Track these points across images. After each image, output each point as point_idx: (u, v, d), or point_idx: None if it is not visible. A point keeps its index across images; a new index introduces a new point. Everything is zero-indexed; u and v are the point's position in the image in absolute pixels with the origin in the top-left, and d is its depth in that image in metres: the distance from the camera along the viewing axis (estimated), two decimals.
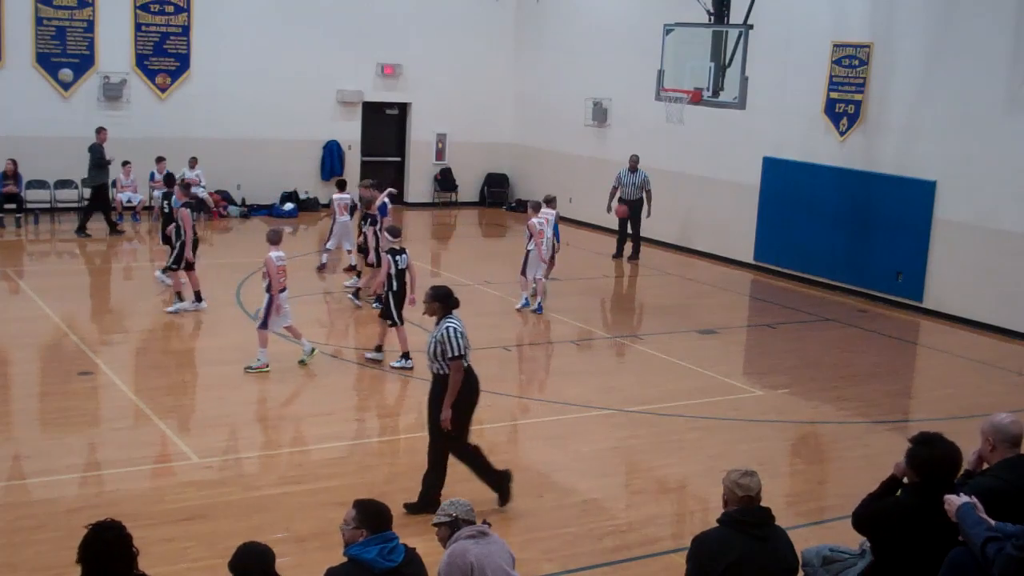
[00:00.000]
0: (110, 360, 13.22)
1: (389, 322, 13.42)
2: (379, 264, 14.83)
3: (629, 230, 21.39)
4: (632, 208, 21.18)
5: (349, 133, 25.88)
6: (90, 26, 22.85)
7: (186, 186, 16.49)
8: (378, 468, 10.24)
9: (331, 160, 25.65)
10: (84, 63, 22.86)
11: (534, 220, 16.80)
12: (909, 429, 11.70)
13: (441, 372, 9.08)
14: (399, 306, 13.34)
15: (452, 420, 8.98)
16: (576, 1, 25.36)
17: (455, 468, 10.31)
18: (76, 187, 22.79)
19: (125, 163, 22.50)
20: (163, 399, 11.88)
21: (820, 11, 19.45)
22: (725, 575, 5.68)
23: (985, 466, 6.22)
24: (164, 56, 23.63)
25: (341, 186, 19.43)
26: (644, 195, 21.02)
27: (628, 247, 21.49)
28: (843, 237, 19.11)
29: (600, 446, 11.22)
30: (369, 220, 16.51)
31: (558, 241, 17.76)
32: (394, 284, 13.23)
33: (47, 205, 22.34)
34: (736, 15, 17.55)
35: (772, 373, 14.23)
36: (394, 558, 5.63)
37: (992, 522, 5.42)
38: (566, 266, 19.84)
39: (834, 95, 19.21)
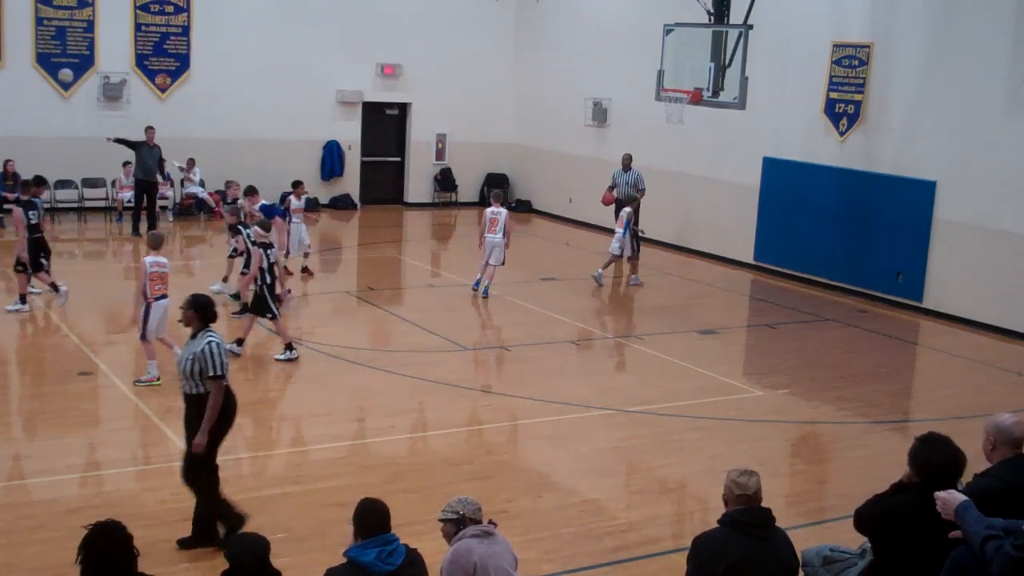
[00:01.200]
0: (110, 360, 13.22)
1: (269, 315, 13.53)
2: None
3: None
4: (622, 208, 21.16)
5: (349, 133, 25.88)
6: (90, 26, 22.85)
7: (25, 184, 16.13)
8: (378, 469, 10.23)
9: (331, 160, 25.66)
10: (84, 63, 22.86)
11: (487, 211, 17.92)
12: (909, 429, 11.71)
13: (194, 392, 8.25)
14: (275, 299, 13.52)
15: (205, 445, 8.21)
16: (576, 1, 25.36)
17: (464, 467, 10.34)
18: (76, 187, 22.80)
19: (126, 163, 22.49)
20: (163, 399, 11.86)
21: (820, 11, 19.45)
22: (725, 575, 5.67)
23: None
24: (164, 56, 23.64)
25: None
26: (638, 194, 21.04)
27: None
28: (843, 237, 19.11)
29: (600, 446, 11.22)
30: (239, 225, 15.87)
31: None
32: (267, 278, 13.41)
33: (47, 205, 22.25)
34: (736, 15, 17.56)
35: (772, 373, 14.22)
36: (393, 561, 5.60)
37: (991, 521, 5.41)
38: (566, 266, 19.85)
39: (834, 95, 19.21)
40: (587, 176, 24.71)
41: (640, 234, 20.61)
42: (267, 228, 13.85)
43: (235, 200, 17.70)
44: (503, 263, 17.54)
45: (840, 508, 9.15)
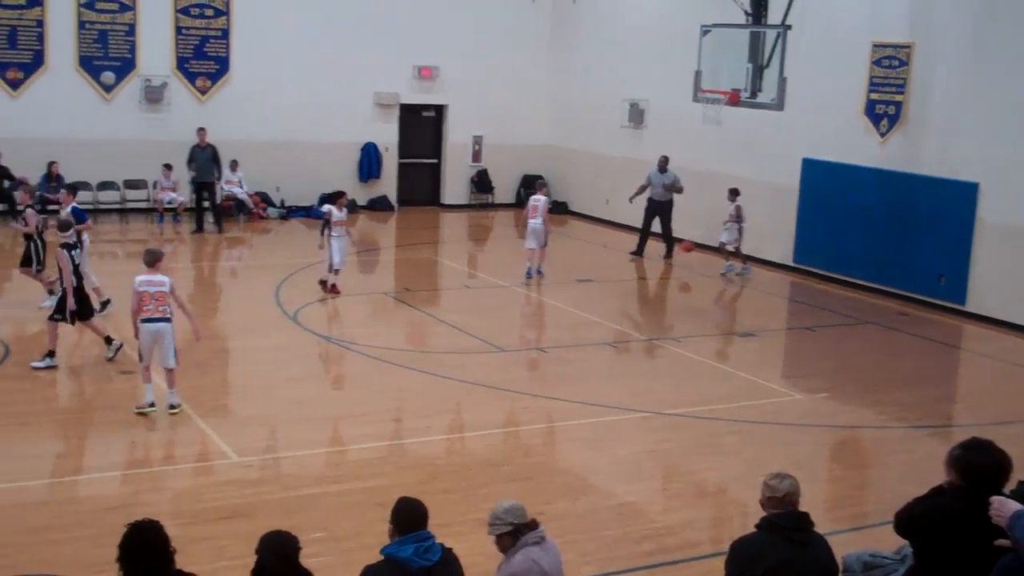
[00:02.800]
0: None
1: (59, 317, 12.77)
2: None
3: (656, 228, 21.38)
4: (662, 208, 21.13)
5: (386, 135, 25.96)
6: (131, 30, 23.07)
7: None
8: (416, 469, 10.25)
9: (369, 162, 25.76)
10: (126, 66, 23.09)
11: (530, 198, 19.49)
12: (951, 435, 11.60)
13: None
14: (78, 302, 12.83)
15: None
16: (612, 2, 25.32)
17: (501, 468, 10.34)
18: (118, 188, 23.01)
19: (166, 165, 22.72)
20: (203, 398, 11.95)
21: (859, 11, 19.30)
22: None
23: None
24: (204, 59, 23.83)
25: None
26: (672, 196, 20.96)
27: (660, 247, 21.43)
28: (884, 239, 18.94)
29: (637, 449, 11.19)
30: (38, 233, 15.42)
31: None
32: (73, 280, 12.73)
33: (90, 206, 22.50)
34: (774, 15, 17.47)
35: (811, 376, 14.13)
36: (430, 557, 5.63)
37: None
38: (602, 268, 19.81)
39: (874, 96, 19.07)
40: (624, 177, 24.64)
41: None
42: (65, 228, 13.08)
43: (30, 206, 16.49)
44: (545, 245, 18.78)
45: (881, 513, 9.07)
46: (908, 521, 5.95)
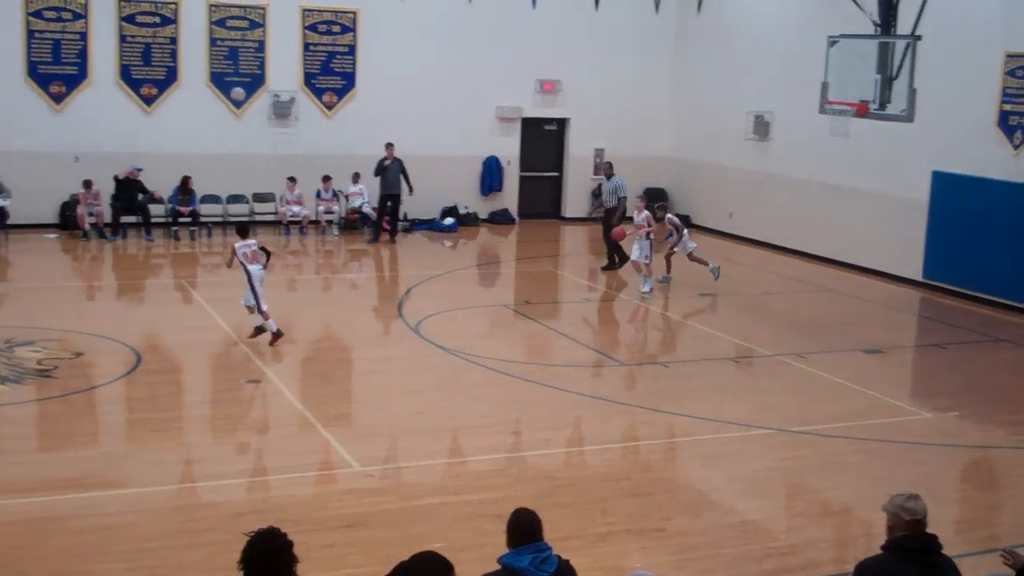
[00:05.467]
0: (278, 369, 13.61)
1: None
2: None
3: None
4: (607, 215, 20.72)
5: (508, 149, 26.11)
6: (261, 46, 23.66)
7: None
8: (534, 482, 10.26)
9: (490, 176, 25.93)
10: (255, 82, 23.68)
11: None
12: None
13: None
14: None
15: None
16: (737, 13, 25.07)
17: (620, 483, 10.28)
18: (247, 202, 23.58)
19: (291, 179, 23.21)
20: (327, 408, 12.16)
21: (992, 21, 18.74)
22: None
23: None
24: (331, 75, 24.30)
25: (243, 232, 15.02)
26: (618, 202, 20.57)
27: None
28: (1018, 254, 18.31)
29: (760, 466, 11.01)
30: None
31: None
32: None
33: (219, 219, 23.17)
34: (903, 26, 17.06)
35: (940, 395, 13.74)
36: (546, 568, 5.60)
37: None
38: (726, 282, 19.59)
39: (1007, 107, 18.48)
40: (747, 191, 24.38)
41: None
42: None
43: None
44: (646, 258, 18.60)
45: (1014, 536, 8.77)
46: None
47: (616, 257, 20.61)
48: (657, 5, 25.77)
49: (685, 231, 19.87)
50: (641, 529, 9.19)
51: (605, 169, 21.34)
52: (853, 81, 17.07)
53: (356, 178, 23.75)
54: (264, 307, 14.32)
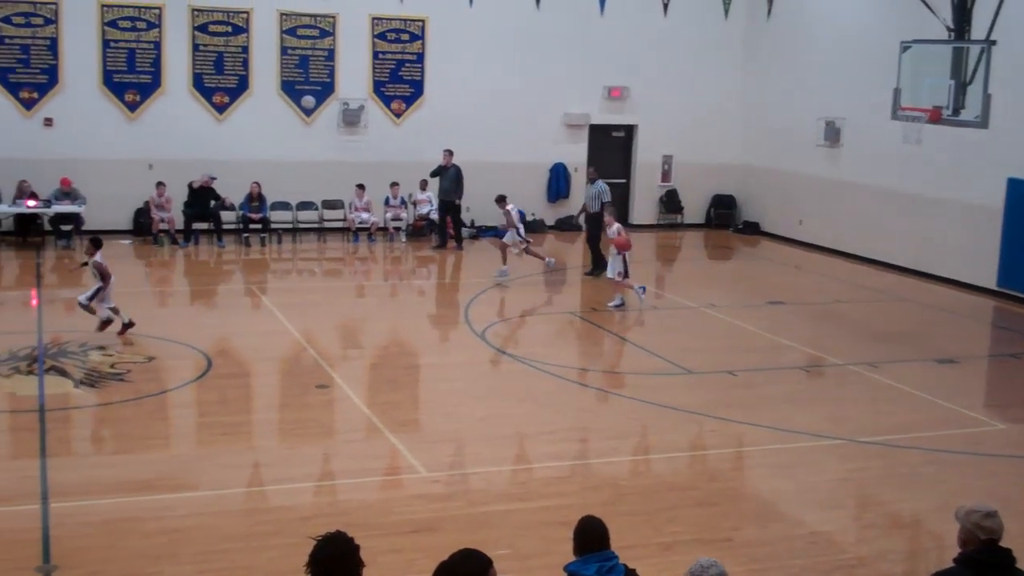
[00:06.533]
0: (345, 374, 13.71)
1: None
2: None
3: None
4: (591, 221, 20.42)
5: (575, 155, 26.08)
6: (331, 55, 23.90)
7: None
8: (601, 489, 10.22)
9: (557, 182, 25.93)
10: (325, 90, 23.91)
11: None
12: None
13: None
14: None
15: None
16: (808, 18, 24.81)
17: (687, 492, 10.21)
18: (316, 208, 23.80)
19: (359, 186, 23.39)
20: (394, 413, 12.23)
21: None
22: None
23: None
24: (399, 83, 24.47)
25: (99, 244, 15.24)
26: (602, 207, 20.28)
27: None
28: None
29: (829, 477, 10.87)
30: None
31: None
32: None
33: (289, 226, 23.41)
34: (978, 31, 16.79)
35: (1016, 406, 13.47)
36: None
37: None
38: (795, 290, 19.40)
39: None
40: (818, 198, 24.12)
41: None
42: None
43: None
44: (619, 273, 17.84)
45: None
46: None
47: (598, 263, 20.42)
48: (726, 11, 25.69)
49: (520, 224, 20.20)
50: (707, 539, 9.11)
51: (589, 174, 21.06)
52: (926, 87, 16.87)
53: (424, 185, 23.87)
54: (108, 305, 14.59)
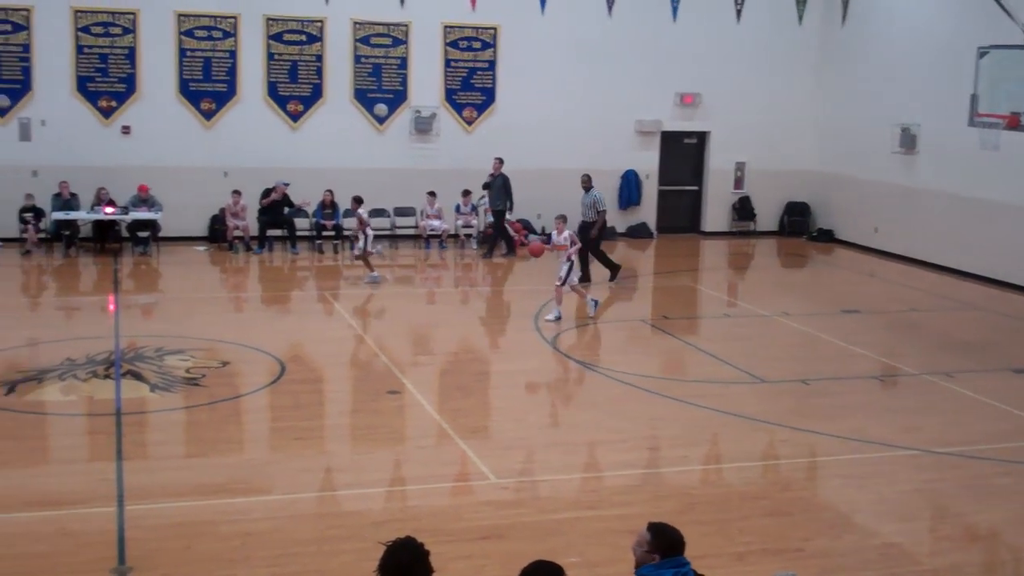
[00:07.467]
0: (417, 380, 13.79)
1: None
2: None
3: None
4: (584, 230, 20.07)
5: (647, 163, 26.00)
6: (403, 63, 24.09)
7: None
8: (671, 498, 10.18)
9: (628, 189, 25.87)
10: (397, 98, 24.12)
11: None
12: None
13: None
14: None
15: None
16: (883, 24, 24.50)
17: (759, 502, 10.13)
18: (388, 215, 23.99)
19: (431, 193, 23.54)
20: (464, 420, 12.27)
21: None
22: None
23: None
24: (471, 91, 24.60)
25: None
26: (598, 215, 19.94)
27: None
28: None
29: (903, 488, 10.71)
30: None
31: None
32: None
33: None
34: None
35: None
36: None
37: None
38: (870, 298, 19.15)
39: None
40: (894, 205, 23.79)
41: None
42: None
43: None
44: (559, 280, 17.08)
45: None
46: None
47: (611, 266, 20.33)
48: (800, 17, 25.43)
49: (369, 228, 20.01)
50: (779, 549, 9.03)
51: (584, 182, 20.86)
52: (1004, 93, 16.59)
53: (466, 195, 23.96)
54: None
